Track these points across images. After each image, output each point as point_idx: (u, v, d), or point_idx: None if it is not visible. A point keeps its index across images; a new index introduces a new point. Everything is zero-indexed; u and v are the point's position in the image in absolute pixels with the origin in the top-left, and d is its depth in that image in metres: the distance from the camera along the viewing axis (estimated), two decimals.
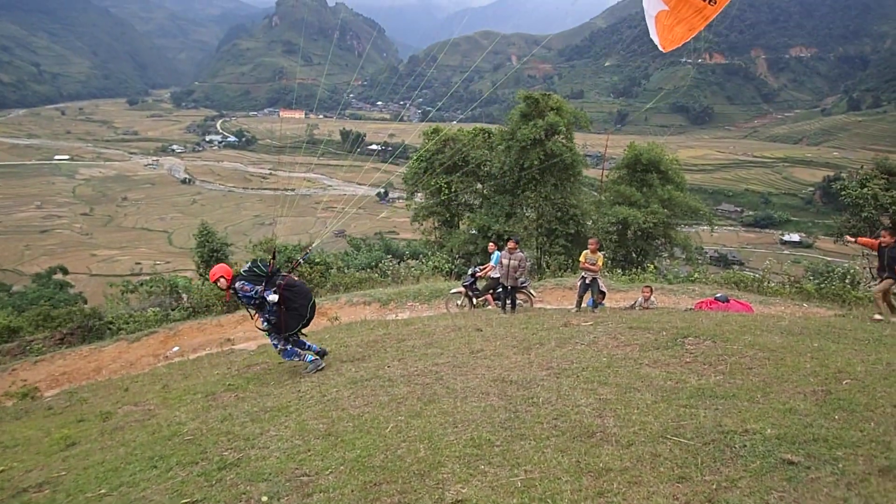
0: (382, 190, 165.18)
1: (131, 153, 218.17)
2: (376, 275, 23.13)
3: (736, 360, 6.91)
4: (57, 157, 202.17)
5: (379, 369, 8.19)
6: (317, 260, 23.57)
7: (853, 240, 12.42)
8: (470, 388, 6.73)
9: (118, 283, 27.37)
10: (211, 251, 25.81)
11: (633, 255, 29.86)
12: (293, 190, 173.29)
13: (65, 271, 70.41)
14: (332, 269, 23.63)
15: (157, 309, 19.32)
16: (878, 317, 10.52)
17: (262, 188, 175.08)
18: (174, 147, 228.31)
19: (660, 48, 8.18)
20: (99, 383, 12.29)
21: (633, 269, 22.74)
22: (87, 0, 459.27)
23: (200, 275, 25.51)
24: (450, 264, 25.02)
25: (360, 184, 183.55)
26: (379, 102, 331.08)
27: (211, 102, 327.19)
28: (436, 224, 32.53)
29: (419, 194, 33.53)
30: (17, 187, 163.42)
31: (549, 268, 24.88)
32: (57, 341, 17.35)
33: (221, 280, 8.59)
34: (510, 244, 13.06)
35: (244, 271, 8.64)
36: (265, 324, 8.70)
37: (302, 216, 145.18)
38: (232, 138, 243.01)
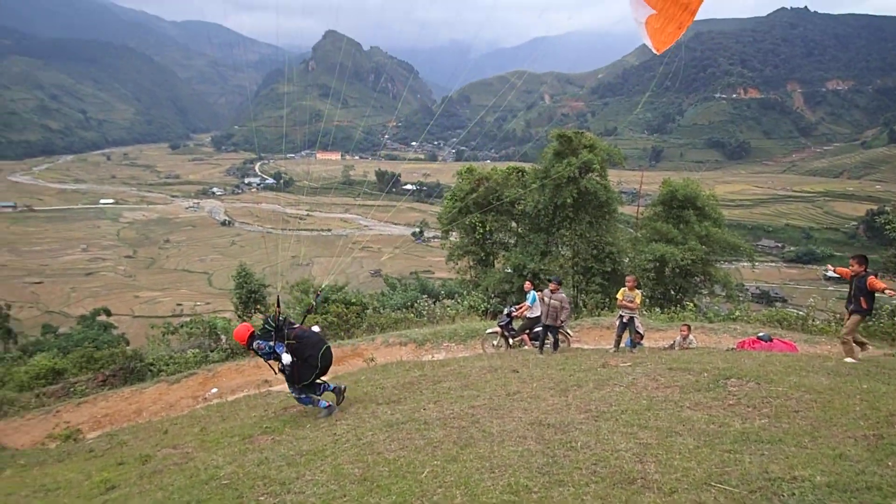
0: (418, 229, 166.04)
1: (173, 196, 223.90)
2: (412, 315, 23.10)
3: (781, 402, 6.71)
4: (102, 201, 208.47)
5: (415, 412, 8.14)
6: (353, 300, 23.68)
7: (833, 270, 11.47)
8: (507, 432, 6.63)
9: (159, 325, 27.78)
10: (249, 292, 26.14)
11: (672, 292, 29.41)
12: (329, 230, 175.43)
13: (108, 313, 71.61)
14: (368, 309, 23.69)
15: (197, 350, 19.54)
16: (848, 360, 9.64)
17: (300, 229, 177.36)
18: (214, 190, 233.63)
19: (653, 51, 8.43)
20: (139, 425, 12.41)
21: (672, 308, 22.38)
22: (131, 49, 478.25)
23: (239, 316, 25.81)
24: (485, 303, 24.91)
25: (395, 223, 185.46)
26: (413, 143, 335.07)
27: (250, 145, 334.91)
28: (471, 263, 32.53)
29: (454, 233, 33.63)
30: (63, 231, 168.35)
31: (585, 306, 24.63)
32: (100, 383, 17.59)
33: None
34: (552, 286, 13.05)
35: (259, 330, 8.89)
36: (282, 374, 8.90)
37: (338, 256, 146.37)
38: (270, 180, 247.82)
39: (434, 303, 25.40)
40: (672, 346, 13.83)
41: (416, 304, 25.08)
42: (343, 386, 9.54)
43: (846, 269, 10.24)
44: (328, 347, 9.03)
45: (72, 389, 17.12)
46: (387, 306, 26.54)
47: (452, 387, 9.56)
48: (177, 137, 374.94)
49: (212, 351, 19.46)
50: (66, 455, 10.23)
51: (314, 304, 11.59)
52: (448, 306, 24.04)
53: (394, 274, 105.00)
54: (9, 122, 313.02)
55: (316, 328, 9.47)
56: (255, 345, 8.80)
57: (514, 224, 32.02)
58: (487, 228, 30.69)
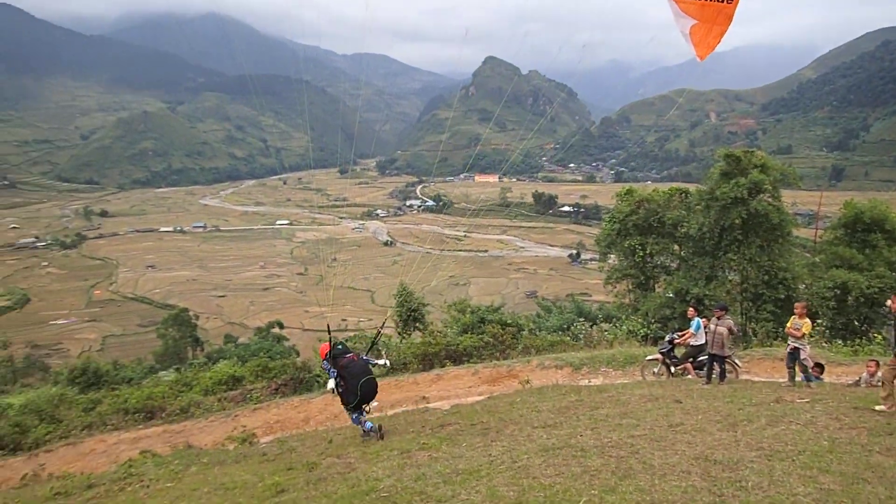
0: (574, 251, 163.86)
1: (341, 218, 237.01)
2: (568, 338, 22.74)
3: None
4: (278, 222, 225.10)
5: (571, 438, 7.98)
6: (508, 321, 23.72)
7: (890, 304, 9.32)
8: (669, 465, 6.33)
9: (326, 339, 29.36)
10: (409, 310, 26.96)
11: (856, 323, 26.82)
12: (486, 251, 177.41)
13: (281, 325, 76.87)
14: (523, 330, 23.62)
15: None
16: (878, 407, 8.31)
17: (458, 250, 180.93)
18: (378, 211, 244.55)
19: (697, 58, 8.83)
20: (307, 433, 13.12)
21: (857, 340, 20.38)
22: (307, 82, 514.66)
23: (399, 333, 26.68)
24: (645, 329, 24.03)
25: (551, 245, 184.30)
26: (571, 164, 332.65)
27: (412, 169, 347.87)
28: (630, 286, 31.59)
29: (613, 256, 32.86)
30: (245, 249, 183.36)
31: (755, 336, 23.06)
32: (272, 391, 18.81)
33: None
34: (717, 312, 12.41)
35: (330, 353, 10.25)
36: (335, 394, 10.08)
37: (494, 277, 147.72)
38: (430, 202, 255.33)
39: (591, 326, 24.85)
40: (857, 383, 12.58)
41: (572, 328, 24.66)
42: (378, 425, 10.43)
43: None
44: (370, 379, 10.03)
45: (248, 396, 18.44)
46: (542, 328, 26.34)
47: (610, 414, 9.28)
48: (345, 163, 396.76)
49: (373, 366, 20.20)
50: (243, 457, 10.99)
51: (375, 342, 12.45)
52: (606, 330, 23.43)
53: (549, 296, 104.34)
54: (202, 151, 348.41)
55: (383, 360, 11.33)
56: (323, 364, 10.11)
57: (676, 247, 30.76)
58: (648, 251, 29.69)
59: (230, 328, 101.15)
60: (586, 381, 15.73)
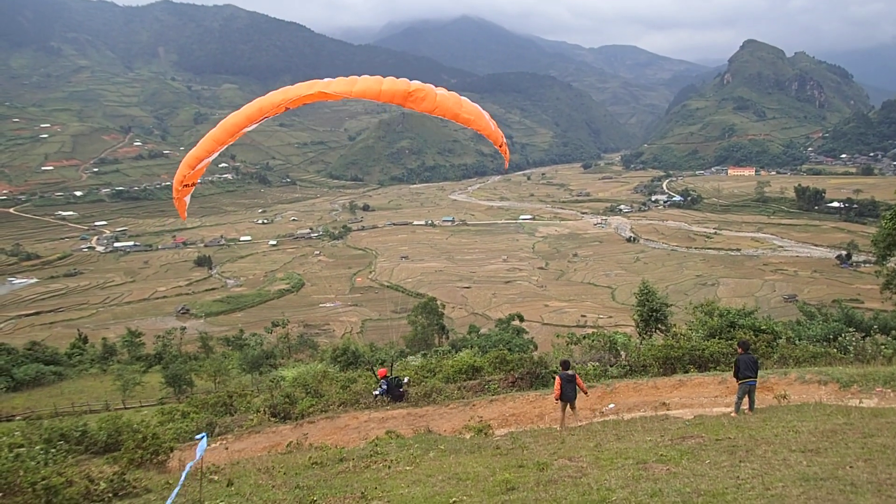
0: (844, 252, 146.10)
1: (583, 213, 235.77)
2: (834, 350, 20.12)
3: None
4: (521, 217, 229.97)
5: (838, 468, 6.93)
6: (762, 327, 21.64)
7: None
8: None
9: (564, 335, 29.21)
10: (651, 310, 25.87)
11: None
12: (738, 250, 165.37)
13: (521, 318, 78.01)
14: (780, 338, 21.38)
15: (597, 364, 19.90)
16: None
17: (706, 248, 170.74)
18: (621, 207, 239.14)
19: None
20: (539, 430, 13.03)
21: None
22: (553, 77, 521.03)
23: (640, 333, 25.72)
24: None
25: (816, 245, 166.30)
26: (843, 155, 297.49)
27: (658, 163, 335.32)
28: None
29: (893, 258, 28.69)
30: (489, 242, 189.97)
31: None
32: (509, 384, 19.04)
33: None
34: None
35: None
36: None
37: (747, 278, 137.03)
38: (677, 197, 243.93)
39: (863, 338, 21.77)
40: None
41: (840, 338, 21.79)
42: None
43: None
44: (401, 389, 17.00)
45: (486, 387, 18.86)
46: (803, 337, 23.64)
47: (889, 445, 7.92)
48: (589, 157, 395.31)
49: (611, 366, 19.61)
50: (477, 448, 11.18)
51: (374, 370, 17.68)
52: (882, 344, 20.36)
53: (812, 301, 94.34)
54: (452, 148, 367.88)
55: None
56: (382, 382, 16.61)
57: None
58: None
59: (473, 318, 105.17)
60: (856, 401, 13.70)
